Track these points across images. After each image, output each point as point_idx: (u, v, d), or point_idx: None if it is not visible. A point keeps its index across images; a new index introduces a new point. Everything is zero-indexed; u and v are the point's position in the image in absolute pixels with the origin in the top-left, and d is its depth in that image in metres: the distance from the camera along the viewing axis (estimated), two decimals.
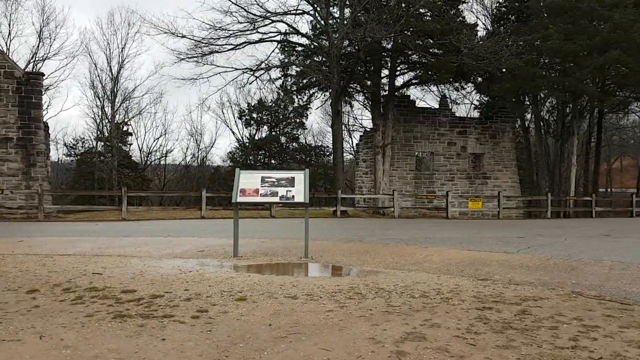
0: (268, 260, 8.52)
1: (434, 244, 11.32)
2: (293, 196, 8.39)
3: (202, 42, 24.33)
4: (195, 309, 4.87)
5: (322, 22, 25.67)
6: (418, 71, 28.34)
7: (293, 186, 8.44)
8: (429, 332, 4.17)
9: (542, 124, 35.28)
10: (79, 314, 4.65)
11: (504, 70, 27.04)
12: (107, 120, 38.05)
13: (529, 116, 36.89)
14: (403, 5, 24.11)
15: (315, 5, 25.41)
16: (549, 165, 35.28)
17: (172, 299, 5.30)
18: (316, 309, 4.91)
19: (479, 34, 30.10)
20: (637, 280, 6.77)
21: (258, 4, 24.30)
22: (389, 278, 6.72)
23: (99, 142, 38.89)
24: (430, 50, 25.37)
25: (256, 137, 44.69)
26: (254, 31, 25.10)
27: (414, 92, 32.93)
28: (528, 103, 34.04)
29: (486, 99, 34.22)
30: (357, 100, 35.58)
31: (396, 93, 28.73)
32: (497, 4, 35.00)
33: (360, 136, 33.45)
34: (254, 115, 44.36)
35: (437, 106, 32.79)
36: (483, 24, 35.26)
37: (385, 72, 28.11)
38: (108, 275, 6.59)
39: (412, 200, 27.28)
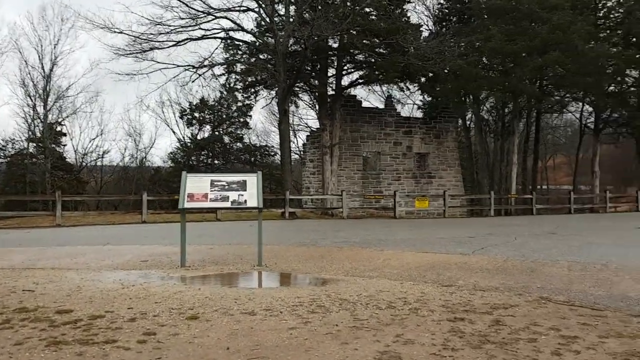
0: (219, 269, 7.97)
1: (388, 246, 11.07)
2: (245, 200, 7.89)
3: (141, 38, 23.27)
4: (141, 331, 4.31)
5: (268, 19, 25.12)
6: (365, 71, 28.26)
7: (245, 190, 7.93)
8: (404, 351, 3.81)
9: (482, 123, 36.05)
10: (7, 342, 3.99)
11: (447, 70, 27.35)
12: (39, 120, 36.00)
13: (470, 116, 37.63)
14: (349, 3, 23.93)
15: (260, 2, 24.83)
16: (489, 164, 36.10)
17: (114, 319, 4.71)
18: (277, 327, 4.46)
19: (424, 34, 30.37)
20: (600, 283, 6.70)
21: (201, 0, 23.50)
22: (350, 287, 6.35)
23: (30, 143, 36.75)
24: (377, 49, 25.32)
25: (198, 137, 43.55)
26: (197, 27, 24.24)
27: (359, 92, 32.97)
28: (470, 103, 34.69)
29: (429, 99, 34.65)
30: (303, 100, 35.25)
31: (343, 93, 28.56)
32: (439, 5, 35.53)
33: (307, 136, 33.12)
34: (196, 114, 43.19)
35: (382, 106, 32.96)
36: (426, 24, 35.68)
37: (332, 71, 27.89)
38: (40, 292, 5.88)
39: (360, 200, 27.18)
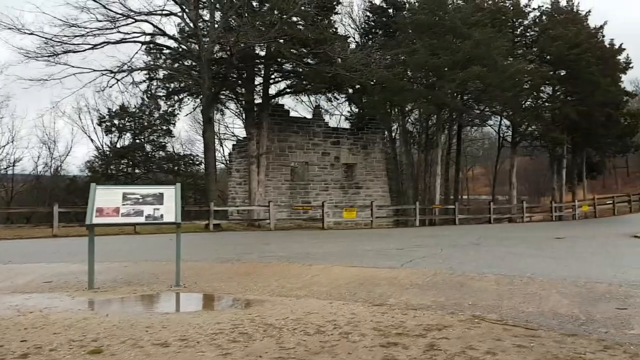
0: (132, 291, 7.25)
1: (317, 260, 10.70)
2: (162, 215, 7.24)
3: (54, 40, 21.77)
4: None
5: (192, 24, 24.29)
6: (293, 80, 28.00)
7: (162, 203, 7.28)
8: None
9: (408, 135, 36.73)
10: None
11: (374, 82, 27.61)
12: None
13: (396, 128, 38.25)
14: (276, 12, 23.59)
15: (184, 7, 23.97)
16: (413, 174, 36.80)
17: (1, 355, 4.02)
18: None
19: (351, 46, 30.57)
20: (529, 298, 6.62)
21: (120, 2, 22.33)
22: (276, 309, 5.89)
23: None
24: (305, 59, 25.13)
25: (118, 145, 41.54)
26: (115, 30, 23.00)
27: (287, 102, 32.67)
28: (396, 115, 35.26)
29: (357, 110, 34.92)
30: (229, 108, 34.50)
31: (270, 102, 28.12)
32: (366, 18, 36.00)
33: (233, 145, 32.37)
34: (116, 121, 41.19)
35: (309, 116, 32.82)
36: (352, 37, 36.02)
37: (259, 79, 27.38)
38: None
39: (287, 211, 26.76)
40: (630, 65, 36.35)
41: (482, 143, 61.88)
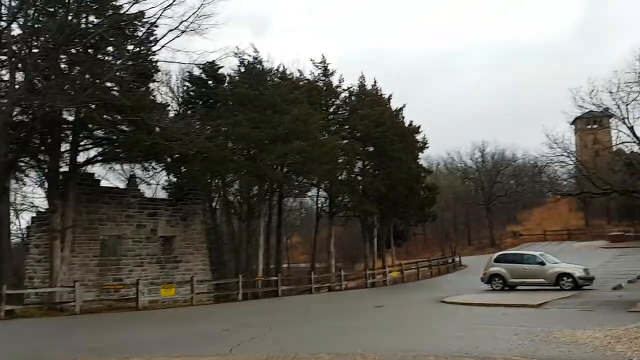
0: None
1: (135, 352, 9.44)
2: None
3: None
4: None
5: None
6: (105, 147, 26.04)
7: None
8: None
9: (229, 206, 36.34)
10: None
11: (195, 152, 26.98)
12: None
13: (217, 198, 37.66)
14: (88, 76, 22.04)
15: None
16: (235, 246, 36.23)
17: None
18: None
19: (170, 115, 29.74)
20: None
21: None
22: None
23: None
24: (120, 126, 23.64)
25: None
26: None
27: (98, 170, 30.27)
28: (217, 185, 34.77)
29: (176, 179, 33.68)
30: (30, 177, 30.74)
31: (78, 170, 25.67)
32: (185, 88, 35.62)
33: (33, 218, 28.71)
34: None
35: (124, 186, 30.71)
36: (171, 106, 35.23)
37: (66, 146, 24.92)
38: None
39: (96, 291, 24.08)
40: (427, 145, 41.13)
41: (300, 213, 64.00)
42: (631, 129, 17.42)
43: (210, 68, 32.26)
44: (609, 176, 18.94)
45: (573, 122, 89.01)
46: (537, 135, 79.99)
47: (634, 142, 18.09)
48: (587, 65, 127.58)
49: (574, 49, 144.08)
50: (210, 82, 34.33)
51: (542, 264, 23.80)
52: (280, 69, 33.61)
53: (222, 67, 32.85)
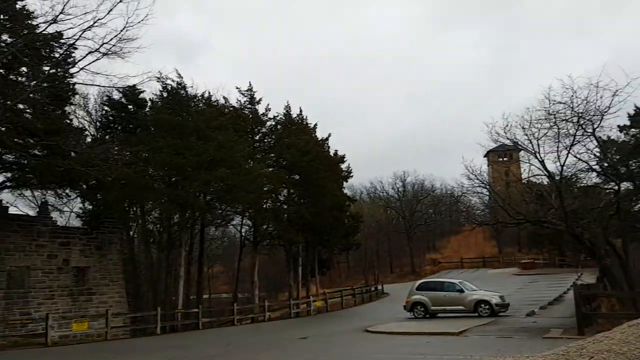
0: None
1: None
2: None
3: None
4: None
5: None
6: (15, 173, 24.43)
7: None
8: None
9: (148, 235, 34.98)
10: None
11: (112, 178, 25.86)
12: None
13: (135, 227, 36.18)
14: None
15: None
16: (154, 276, 34.81)
17: None
18: None
19: (87, 140, 28.46)
20: None
21: None
22: None
23: None
24: (32, 150, 22.29)
25: None
26: None
27: (5, 197, 28.22)
28: (136, 213, 33.41)
29: (91, 207, 32.03)
30: None
31: None
32: (104, 112, 34.25)
33: None
34: None
35: (34, 213, 28.82)
36: (88, 130, 33.71)
37: None
38: None
39: (1, 326, 22.22)
40: (351, 174, 41.80)
41: (222, 242, 62.81)
42: (542, 162, 18.53)
43: (131, 92, 31.29)
44: (522, 207, 19.96)
45: (486, 155, 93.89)
46: (453, 166, 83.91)
47: (544, 175, 19.23)
48: (498, 101, 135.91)
49: (486, 86, 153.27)
50: (130, 106, 33.23)
51: (462, 291, 24.57)
52: (205, 95, 33.17)
53: (143, 91, 32.02)
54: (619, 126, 24.75)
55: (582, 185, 20.70)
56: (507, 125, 18.96)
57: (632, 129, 27.63)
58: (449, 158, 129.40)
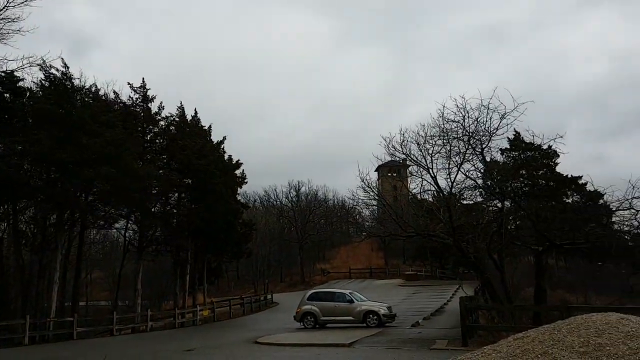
0: None
1: None
2: None
3: None
4: None
5: None
6: None
7: None
8: None
9: (20, 235, 31.77)
10: None
11: None
12: None
13: (5, 226, 32.73)
14: None
15: None
16: (24, 282, 31.62)
17: None
18: None
19: None
20: None
21: None
22: None
23: None
24: None
25: None
26: None
27: None
28: (6, 212, 30.22)
29: None
30: None
31: None
32: None
33: None
34: None
35: None
36: None
37: None
38: None
39: None
40: (246, 181, 41.01)
41: (103, 246, 59.13)
42: (434, 178, 19.13)
43: (9, 79, 28.34)
44: (413, 221, 20.49)
45: (377, 169, 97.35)
46: (346, 179, 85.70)
47: (435, 190, 19.88)
48: (392, 119, 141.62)
49: (381, 104, 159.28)
50: (6, 94, 30.09)
51: (352, 302, 24.75)
52: (94, 90, 30.91)
53: (22, 79, 29.13)
54: (500, 149, 26.36)
55: (469, 203, 21.70)
56: (403, 141, 19.42)
57: (513, 152, 29.71)
58: (342, 171, 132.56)
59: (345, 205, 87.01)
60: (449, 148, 18.45)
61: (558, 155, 26.38)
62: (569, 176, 31.81)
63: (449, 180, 19.23)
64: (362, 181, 21.48)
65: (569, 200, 31.22)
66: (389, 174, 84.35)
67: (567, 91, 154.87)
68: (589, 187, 30.53)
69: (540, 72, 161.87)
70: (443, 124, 18.64)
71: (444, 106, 19.19)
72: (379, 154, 32.33)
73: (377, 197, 23.42)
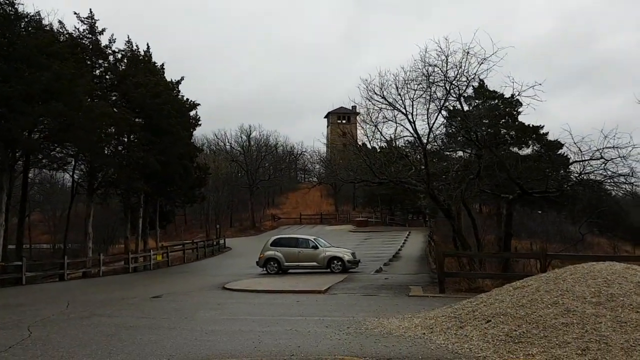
0: None
1: None
2: None
3: None
4: None
5: None
6: None
7: None
8: None
9: None
10: None
11: None
12: None
13: None
14: None
15: None
16: None
17: None
18: None
19: None
20: None
21: None
22: None
23: None
24: None
25: None
26: None
27: None
28: None
29: None
30: None
31: None
32: None
33: None
34: None
35: None
36: None
37: None
38: None
39: None
40: (200, 123, 39.53)
41: (46, 186, 56.47)
42: (413, 123, 18.69)
43: None
44: (385, 167, 20.10)
45: (327, 116, 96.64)
46: (299, 125, 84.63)
47: (413, 136, 19.50)
48: (350, 67, 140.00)
49: (339, 53, 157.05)
50: None
51: (316, 247, 24.58)
52: (37, 18, 28.27)
53: None
54: (463, 97, 26.22)
55: (444, 150, 21.54)
56: (383, 84, 18.82)
57: (476, 100, 29.67)
58: (296, 117, 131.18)
59: (293, 152, 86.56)
60: (429, 93, 17.96)
61: (521, 104, 26.42)
62: (530, 125, 32.18)
63: (426, 125, 18.86)
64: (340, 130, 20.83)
65: (529, 150, 31.77)
66: (338, 121, 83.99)
67: (517, 47, 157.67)
68: (550, 137, 31.21)
69: (491, 30, 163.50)
70: (423, 67, 18.08)
71: (425, 50, 18.62)
72: (353, 98, 31.75)
73: (354, 144, 22.87)
